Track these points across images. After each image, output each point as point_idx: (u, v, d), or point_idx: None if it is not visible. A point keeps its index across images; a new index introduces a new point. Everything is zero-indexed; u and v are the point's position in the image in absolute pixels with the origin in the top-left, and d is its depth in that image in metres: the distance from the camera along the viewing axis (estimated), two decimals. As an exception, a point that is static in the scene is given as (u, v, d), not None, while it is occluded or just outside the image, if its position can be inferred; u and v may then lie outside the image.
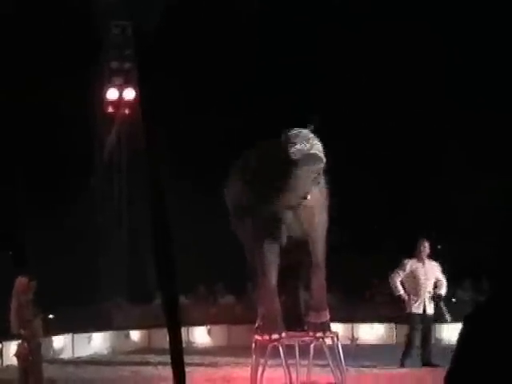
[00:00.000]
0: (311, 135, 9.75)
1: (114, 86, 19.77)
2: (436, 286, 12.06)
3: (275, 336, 10.23)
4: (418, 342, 12.26)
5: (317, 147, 9.68)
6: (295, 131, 9.73)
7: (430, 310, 12.16)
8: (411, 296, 12.06)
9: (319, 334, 10.46)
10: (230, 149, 11.58)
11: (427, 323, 12.24)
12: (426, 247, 12.00)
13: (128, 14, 17.43)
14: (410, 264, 12.04)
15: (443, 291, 12.07)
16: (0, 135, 17.80)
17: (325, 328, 10.53)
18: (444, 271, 12.31)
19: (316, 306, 10.58)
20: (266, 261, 10.35)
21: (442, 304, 12.03)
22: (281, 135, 9.90)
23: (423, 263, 12.05)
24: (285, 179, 9.60)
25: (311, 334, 10.46)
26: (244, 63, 18.59)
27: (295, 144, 9.54)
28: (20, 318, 9.89)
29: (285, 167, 9.53)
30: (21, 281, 10.15)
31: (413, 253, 12.24)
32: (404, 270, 12.03)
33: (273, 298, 10.43)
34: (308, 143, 9.59)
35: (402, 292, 12.08)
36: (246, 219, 10.47)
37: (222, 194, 11.36)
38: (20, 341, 10.15)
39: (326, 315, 10.60)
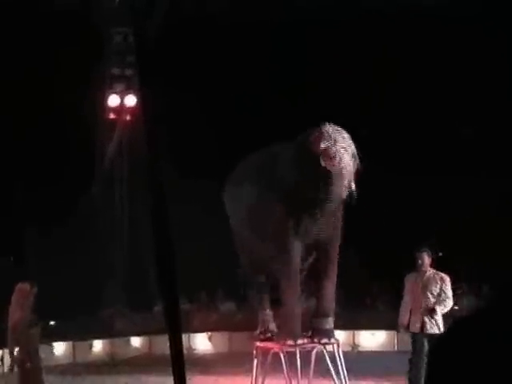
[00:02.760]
0: (343, 131, 9.70)
1: (115, 92, 19.79)
2: (436, 301, 10.43)
3: (300, 341, 10.17)
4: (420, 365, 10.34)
5: (350, 143, 9.67)
6: (326, 128, 9.64)
7: (431, 328, 10.39)
8: (412, 314, 10.57)
9: (324, 340, 10.41)
10: (232, 155, 11.54)
11: (424, 344, 10.43)
12: (423, 259, 10.61)
13: (129, 21, 17.42)
14: (408, 278, 10.75)
15: (440, 307, 10.38)
16: (1, 143, 17.83)
17: (330, 334, 10.50)
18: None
19: (324, 312, 10.49)
20: (293, 264, 10.17)
21: (435, 321, 10.29)
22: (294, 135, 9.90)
23: (422, 276, 10.60)
24: (325, 179, 9.54)
25: (316, 339, 10.40)
26: (247, 66, 18.61)
27: (332, 142, 9.48)
28: (19, 324, 9.88)
29: (323, 167, 9.44)
30: (21, 287, 10.13)
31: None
32: (405, 288, 10.74)
33: (296, 302, 10.29)
34: (344, 140, 9.57)
35: (400, 322, 10.70)
36: (267, 222, 10.14)
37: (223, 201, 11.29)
38: (18, 348, 10.13)
39: (332, 322, 10.56)
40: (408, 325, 10.56)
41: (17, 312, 9.90)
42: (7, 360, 14.45)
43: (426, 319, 10.33)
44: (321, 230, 10.25)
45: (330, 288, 10.51)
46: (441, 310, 10.33)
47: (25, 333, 9.84)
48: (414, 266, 10.65)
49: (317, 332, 10.43)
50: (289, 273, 10.17)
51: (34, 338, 9.99)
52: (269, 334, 10.67)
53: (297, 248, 10.17)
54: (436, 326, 10.32)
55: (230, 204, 11.04)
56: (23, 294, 10.03)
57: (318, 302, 10.57)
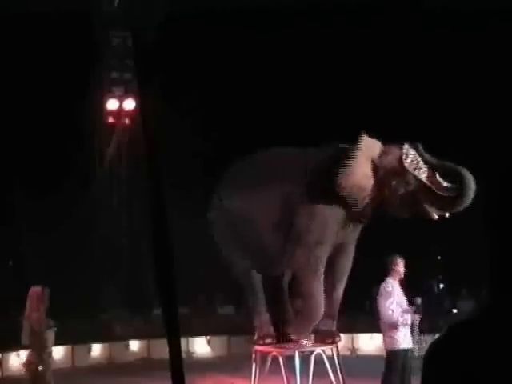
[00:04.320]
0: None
1: (114, 96, 19.80)
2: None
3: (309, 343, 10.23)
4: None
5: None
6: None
7: (413, 343, 9.90)
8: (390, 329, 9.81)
9: (330, 341, 10.44)
10: (229, 158, 11.48)
11: (409, 361, 9.82)
12: (401, 266, 9.93)
13: (128, 24, 17.46)
14: (393, 286, 9.92)
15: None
16: (1, 144, 17.83)
17: (335, 335, 10.53)
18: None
19: (332, 314, 10.51)
20: (321, 266, 10.13)
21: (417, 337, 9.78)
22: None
23: (400, 285, 9.95)
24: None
25: (327, 340, 10.46)
26: (245, 68, 18.61)
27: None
28: (34, 327, 9.88)
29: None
30: (35, 290, 10.14)
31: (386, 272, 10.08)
32: (392, 296, 9.93)
33: (322, 306, 10.26)
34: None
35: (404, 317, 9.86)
36: (307, 223, 10.01)
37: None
38: (30, 350, 10.12)
39: (335, 324, 10.61)
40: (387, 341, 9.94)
41: (32, 315, 9.92)
42: (7, 364, 14.48)
43: (408, 334, 9.79)
44: (355, 232, 10.36)
45: (341, 292, 10.53)
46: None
47: (39, 336, 9.85)
48: (385, 273, 10.04)
49: (325, 334, 10.46)
50: (317, 275, 10.12)
51: (48, 341, 10.00)
52: (269, 340, 10.60)
53: (326, 253, 10.18)
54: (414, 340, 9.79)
55: (237, 204, 10.44)
56: (36, 297, 10.04)
57: (328, 304, 10.49)
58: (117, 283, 19.31)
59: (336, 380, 10.43)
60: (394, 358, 9.76)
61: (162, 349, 11.39)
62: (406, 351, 9.78)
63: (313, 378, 10.50)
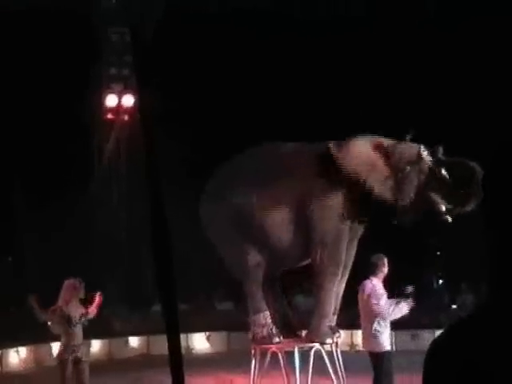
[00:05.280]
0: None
1: (112, 92, 19.79)
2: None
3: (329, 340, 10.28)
4: None
5: None
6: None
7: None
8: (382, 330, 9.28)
9: (337, 335, 10.51)
10: (228, 154, 11.47)
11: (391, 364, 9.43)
12: (386, 264, 9.47)
13: (127, 21, 17.44)
14: (380, 286, 9.37)
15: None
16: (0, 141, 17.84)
17: (335, 331, 10.56)
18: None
19: (334, 309, 10.54)
20: (339, 267, 10.18)
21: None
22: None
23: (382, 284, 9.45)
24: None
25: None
26: (243, 68, 18.59)
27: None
28: (55, 319, 9.81)
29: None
30: (69, 284, 10.04)
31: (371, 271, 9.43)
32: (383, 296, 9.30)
33: (332, 302, 10.33)
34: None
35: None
36: (325, 218, 10.07)
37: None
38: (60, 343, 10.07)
39: (335, 319, 10.65)
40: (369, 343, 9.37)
41: (57, 308, 9.82)
42: (7, 360, 14.49)
43: (389, 334, 9.39)
44: (362, 228, 10.46)
45: (343, 286, 10.55)
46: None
47: (64, 329, 9.75)
48: (370, 272, 9.45)
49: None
50: (334, 275, 10.19)
51: (72, 336, 9.82)
52: (276, 339, 10.48)
53: (344, 248, 10.24)
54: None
55: (248, 201, 10.37)
56: (70, 290, 9.96)
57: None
58: (116, 279, 19.31)
59: (335, 375, 10.44)
60: (381, 361, 9.28)
61: (161, 345, 11.37)
62: (390, 352, 9.47)
63: (312, 374, 10.51)
